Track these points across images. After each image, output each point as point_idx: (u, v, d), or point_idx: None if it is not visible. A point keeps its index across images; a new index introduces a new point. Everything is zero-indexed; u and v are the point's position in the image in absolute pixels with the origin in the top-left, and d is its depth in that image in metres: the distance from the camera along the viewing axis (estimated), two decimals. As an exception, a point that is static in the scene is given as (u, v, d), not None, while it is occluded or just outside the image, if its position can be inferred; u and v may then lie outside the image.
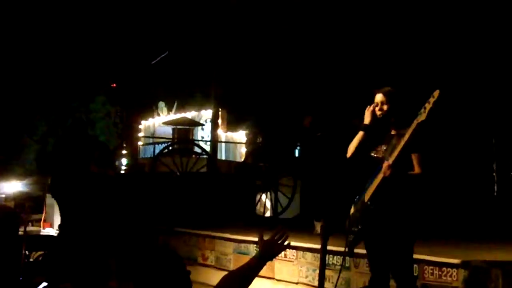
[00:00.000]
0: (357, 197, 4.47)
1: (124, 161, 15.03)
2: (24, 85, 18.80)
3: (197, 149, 13.20)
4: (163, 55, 17.32)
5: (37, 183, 12.64)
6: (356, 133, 4.48)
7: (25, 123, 19.21)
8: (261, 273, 2.87)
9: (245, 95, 17.02)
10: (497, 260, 5.09)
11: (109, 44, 18.91)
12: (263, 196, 12.95)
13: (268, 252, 2.84)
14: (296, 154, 16.61)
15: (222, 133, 15.42)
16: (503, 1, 12.43)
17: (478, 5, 12.76)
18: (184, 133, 14.55)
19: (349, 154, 4.50)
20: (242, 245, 7.43)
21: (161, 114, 16.51)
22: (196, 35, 16.72)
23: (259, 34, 15.96)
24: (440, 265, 5.03)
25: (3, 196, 11.04)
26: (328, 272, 5.46)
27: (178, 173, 11.94)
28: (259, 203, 12.97)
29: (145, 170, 13.28)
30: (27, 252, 6.97)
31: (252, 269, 2.78)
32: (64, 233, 7.04)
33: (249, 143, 15.31)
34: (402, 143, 4.14)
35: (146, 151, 15.71)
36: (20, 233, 5.64)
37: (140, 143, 16.28)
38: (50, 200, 11.60)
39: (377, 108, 4.42)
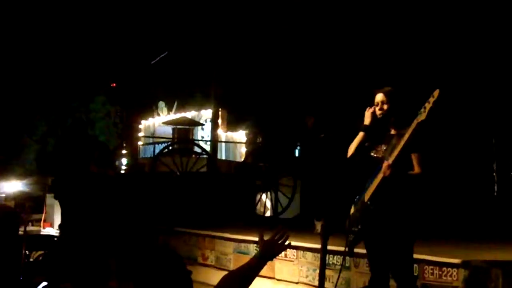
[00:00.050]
0: (357, 197, 4.47)
1: (124, 161, 15.04)
2: (24, 85, 18.80)
3: (197, 149, 13.20)
4: (163, 55, 17.33)
5: (37, 183, 12.64)
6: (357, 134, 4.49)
7: (25, 123, 19.21)
8: (262, 272, 2.87)
9: (245, 95, 17.02)
10: (497, 260, 5.09)
11: (109, 44, 18.92)
12: (263, 196, 12.95)
13: (269, 252, 2.84)
14: (296, 154, 16.61)
15: (222, 133, 15.42)
16: (503, 1, 12.43)
17: (478, 5, 12.76)
18: (184, 133, 14.56)
19: (349, 154, 4.51)
20: (242, 245, 7.43)
21: (161, 114, 16.52)
22: (196, 35, 16.72)
23: (259, 34, 15.96)
24: (440, 265, 5.03)
25: (3, 196, 11.04)
26: (328, 272, 5.46)
27: (178, 173, 11.94)
28: (259, 203, 12.97)
29: (145, 170, 13.28)
30: (27, 252, 6.97)
31: (253, 269, 2.78)
32: (65, 233, 7.05)
33: (249, 143, 15.32)
34: (402, 143, 4.14)
35: (146, 151, 15.71)
36: (20, 233, 5.64)
37: (140, 143, 16.29)
38: (50, 200, 11.60)
39: (377, 108, 4.42)
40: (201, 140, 14.78)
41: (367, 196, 4.33)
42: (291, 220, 11.80)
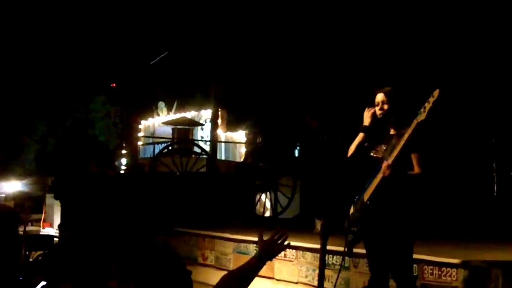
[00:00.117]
0: (356, 197, 4.47)
1: (123, 161, 15.05)
2: (24, 85, 18.80)
3: (196, 149, 13.20)
4: (163, 55, 17.33)
5: (37, 183, 12.65)
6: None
7: (25, 123, 19.21)
8: (261, 272, 2.87)
9: (245, 95, 17.02)
10: (497, 260, 5.09)
11: (109, 44, 18.92)
12: (263, 196, 12.95)
13: (268, 252, 2.84)
14: (296, 154, 16.62)
15: (221, 133, 15.43)
16: (503, 1, 12.43)
17: (478, 5, 12.76)
18: (183, 133, 14.56)
19: (349, 154, 4.51)
20: (242, 245, 7.43)
21: (160, 114, 16.52)
22: (196, 35, 16.72)
23: (259, 34, 15.96)
24: (440, 265, 5.03)
25: (3, 196, 11.05)
26: (327, 272, 5.46)
27: (177, 173, 11.94)
28: (258, 203, 12.97)
29: (145, 170, 13.28)
30: (26, 252, 6.97)
31: (252, 269, 2.78)
32: (65, 233, 7.05)
33: (249, 143, 15.31)
34: (402, 143, 4.14)
35: (145, 151, 15.72)
36: (20, 233, 5.64)
37: (139, 143, 16.29)
38: (50, 200, 11.62)
39: (377, 108, 4.42)
40: (201, 140, 14.78)
41: (366, 196, 4.33)
42: (290, 220, 11.80)
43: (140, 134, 16.46)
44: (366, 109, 4.47)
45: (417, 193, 4.33)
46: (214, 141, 14.54)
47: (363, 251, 4.50)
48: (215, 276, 5.22)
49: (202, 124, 15.35)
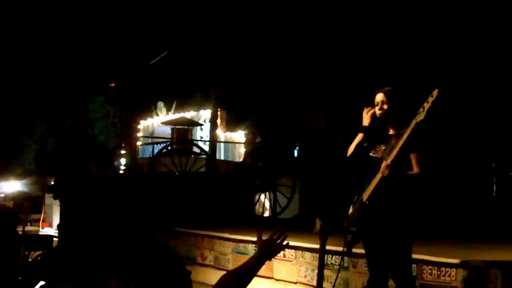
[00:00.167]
0: (355, 197, 4.47)
1: (123, 161, 15.04)
2: (23, 86, 18.79)
3: (196, 149, 13.19)
4: (162, 55, 17.33)
5: (36, 183, 12.65)
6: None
7: (25, 123, 19.20)
8: (260, 272, 2.87)
9: (245, 95, 17.02)
10: (496, 260, 5.09)
11: (108, 43, 18.91)
12: (262, 196, 12.94)
13: (267, 251, 2.84)
14: (295, 154, 16.61)
15: (221, 133, 15.42)
16: (503, 1, 12.43)
17: (477, 4, 12.76)
18: (183, 133, 14.55)
19: (348, 154, 4.51)
20: (241, 245, 7.43)
21: (160, 114, 16.52)
22: (195, 35, 16.71)
23: (259, 34, 15.95)
24: (439, 265, 5.03)
25: (2, 195, 11.05)
26: (326, 272, 5.46)
27: (177, 173, 11.94)
28: (258, 203, 12.96)
29: (144, 170, 13.27)
30: (26, 252, 6.96)
31: (251, 268, 2.78)
32: (65, 233, 7.05)
33: (248, 143, 15.30)
34: (401, 143, 4.14)
35: (145, 151, 15.71)
36: (19, 233, 5.64)
37: (139, 143, 16.28)
38: (49, 200, 11.63)
39: (377, 108, 4.42)
40: (200, 140, 14.77)
41: (365, 196, 4.33)
42: (290, 220, 11.80)
43: (139, 134, 16.45)
44: (365, 109, 4.47)
45: (416, 193, 4.33)
46: (213, 141, 14.54)
47: (362, 251, 4.50)
48: (214, 276, 5.22)
49: (201, 124, 15.35)
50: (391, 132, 4.40)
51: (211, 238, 8.06)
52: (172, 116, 15.84)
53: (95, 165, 7.35)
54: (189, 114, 15.67)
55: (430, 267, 5.09)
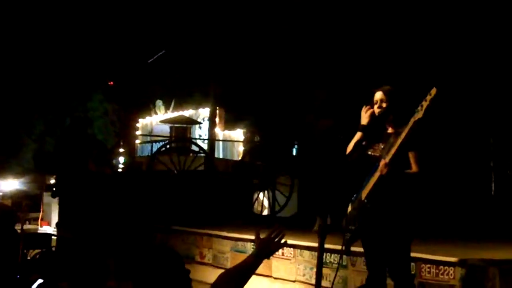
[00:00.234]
0: (354, 195, 4.47)
1: (121, 159, 15.04)
2: (22, 84, 18.78)
3: (194, 148, 13.19)
4: (161, 53, 17.32)
5: (34, 181, 12.65)
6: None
7: (23, 122, 19.19)
8: (259, 271, 2.87)
9: (243, 93, 17.01)
10: (495, 258, 5.10)
11: (107, 42, 18.89)
12: (261, 194, 12.95)
13: (265, 250, 2.84)
14: (294, 153, 16.62)
15: (219, 132, 15.43)
16: (503, 1, 12.43)
17: (477, 3, 12.76)
18: (181, 131, 14.57)
19: (347, 153, 4.52)
20: (240, 243, 7.43)
21: (158, 112, 16.53)
22: (194, 34, 16.71)
23: (258, 33, 15.94)
24: (437, 263, 5.03)
25: (1, 194, 11.06)
26: (325, 271, 5.47)
27: (175, 172, 11.94)
28: (256, 202, 12.97)
29: (143, 168, 13.28)
30: (24, 251, 6.96)
31: (249, 267, 2.79)
32: (65, 232, 7.05)
33: (247, 142, 15.32)
34: (399, 141, 4.14)
35: (143, 150, 15.73)
36: (18, 231, 5.63)
37: (137, 141, 16.29)
38: (47, 198, 11.64)
39: (376, 106, 4.42)
40: (199, 139, 14.79)
41: (364, 194, 4.33)
42: (288, 219, 11.81)
43: (138, 133, 16.46)
44: (364, 108, 4.47)
45: (415, 192, 4.33)
46: (212, 139, 14.55)
47: (361, 249, 4.51)
48: (213, 275, 5.22)
49: (200, 123, 15.36)
50: (389, 130, 4.40)
51: (210, 237, 8.06)
52: (171, 114, 15.85)
53: (94, 164, 7.35)
54: (187, 113, 15.68)
55: (428, 265, 5.09)
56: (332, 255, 5.92)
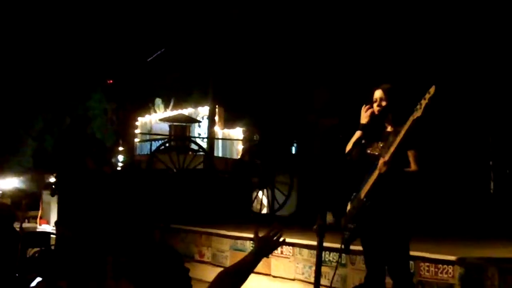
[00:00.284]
0: (353, 194, 4.47)
1: (120, 158, 15.04)
2: (21, 83, 18.77)
3: (193, 146, 13.19)
4: (160, 52, 17.30)
5: (33, 180, 12.65)
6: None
7: (22, 120, 19.18)
8: (258, 269, 2.87)
9: (243, 92, 17.00)
10: (493, 257, 5.10)
11: (106, 41, 18.88)
12: (260, 193, 12.96)
13: (264, 248, 2.84)
14: (293, 152, 16.62)
15: (219, 130, 15.41)
16: (502, 0, 12.43)
17: (476, 2, 12.76)
18: (180, 130, 14.53)
19: (346, 151, 4.52)
20: (239, 242, 7.43)
21: (157, 111, 16.51)
22: (193, 32, 16.69)
23: (257, 31, 15.93)
24: (436, 262, 5.04)
25: (0, 192, 11.05)
26: (324, 269, 5.47)
27: (174, 170, 11.94)
28: (255, 200, 12.97)
29: (142, 167, 13.27)
30: (24, 249, 6.96)
31: (248, 265, 2.78)
32: (64, 231, 7.06)
33: (246, 140, 15.31)
34: (398, 139, 4.14)
35: (142, 148, 15.71)
36: (17, 229, 5.63)
37: (136, 140, 16.28)
38: (46, 197, 11.62)
39: (375, 104, 4.42)
40: (198, 137, 14.76)
41: (363, 193, 4.33)
42: (287, 218, 11.81)
43: (137, 131, 16.44)
44: (364, 107, 4.47)
45: (414, 190, 4.33)
46: (211, 138, 14.52)
47: (360, 248, 4.51)
48: (212, 273, 5.22)
49: (199, 121, 15.34)
50: (389, 129, 4.40)
51: (209, 235, 8.06)
52: (170, 113, 15.83)
53: (93, 162, 7.35)
54: (187, 111, 15.66)
55: (427, 264, 5.10)
56: (331, 254, 5.93)
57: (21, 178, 12.18)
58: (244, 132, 15.65)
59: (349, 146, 4.49)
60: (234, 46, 15.98)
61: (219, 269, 2.86)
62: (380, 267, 4.37)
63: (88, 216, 7.16)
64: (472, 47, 12.83)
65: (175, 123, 14.63)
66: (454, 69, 12.62)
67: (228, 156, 15.14)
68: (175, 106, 16.33)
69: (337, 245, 4.47)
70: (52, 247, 7.72)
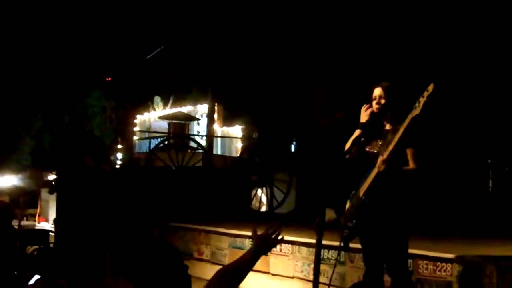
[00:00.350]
0: (352, 192, 4.47)
1: (119, 155, 15.03)
2: (20, 81, 18.75)
3: (192, 144, 13.19)
4: (159, 50, 17.29)
5: (32, 178, 12.63)
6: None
7: (21, 119, 19.17)
8: (256, 267, 2.87)
9: (242, 90, 17.00)
10: (492, 255, 5.11)
11: (105, 38, 18.86)
12: (259, 191, 12.97)
13: (262, 246, 2.84)
14: (292, 150, 16.63)
15: (218, 128, 15.41)
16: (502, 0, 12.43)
17: (476, 2, 12.76)
18: (179, 127, 14.53)
19: (345, 149, 4.52)
20: (238, 239, 7.43)
21: (156, 108, 16.50)
22: (193, 30, 16.68)
23: (257, 30, 15.92)
24: (435, 260, 5.04)
25: (-2, 190, 11.03)
26: (323, 267, 5.47)
27: (173, 168, 11.94)
28: (254, 198, 12.98)
29: (141, 164, 13.27)
30: (23, 247, 6.96)
31: (247, 263, 2.79)
32: (63, 229, 7.06)
33: (245, 138, 15.31)
34: (397, 137, 4.13)
35: (141, 146, 15.70)
36: (15, 227, 5.63)
37: (135, 137, 16.26)
38: (45, 195, 11.62)
39: (374, 102, 4.42)
40: (197, 135, 14.76)
41: (362, 191, 4.33)
42: (286, 215, 11.82)
43: (136, 129, 16.43)
44: (363, 106, 4.47)
45: (412, 188, 4.33)
46: (210, 136, 14.52)
47: (359, 246, 4.51)
48: (211, 271, 5.22)
49: (198, 119, 15.34)
50: (387, 127, 4.39)
51: (208, 233, 8.06)
52: (169, 110, 15.82)
53: (92, 160, 7.35)
54: (186, 109, 15.65)
55: (426, 262, 5.10)
56: (330, 252, 5.93)
57: (20, 176, 12.16)
58: (243, 130, 15.65)
59: (348, 144, 4.48)
60: (234, 44, 15.97)
61: (218, 267, 2.86)
62: (379, 265, 4.37)
63: (87, 214, 7.16)
64: (471, 46, 12.83)
65: (174, 121, 14.63)
66: (453, 67, 12.62)
67: (227, 154, 15.14)
68: (174, 104, 16.33)
69: (336, 243, 4.47)
70: (51, 245, 7.72)
